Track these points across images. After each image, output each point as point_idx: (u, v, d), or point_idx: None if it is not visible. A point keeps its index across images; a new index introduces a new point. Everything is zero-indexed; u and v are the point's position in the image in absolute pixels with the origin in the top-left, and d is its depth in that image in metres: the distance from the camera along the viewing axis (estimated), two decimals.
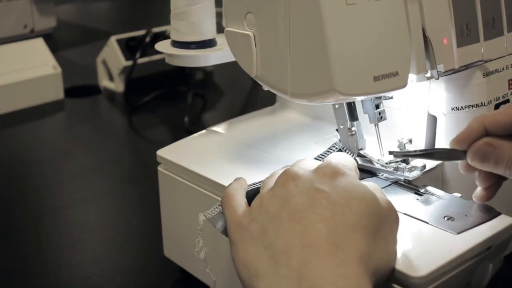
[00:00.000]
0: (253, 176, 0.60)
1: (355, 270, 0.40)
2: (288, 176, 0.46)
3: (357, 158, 0.59)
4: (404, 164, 0.56)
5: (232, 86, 1.38)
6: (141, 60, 1.26)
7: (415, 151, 0.54)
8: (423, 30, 0.52)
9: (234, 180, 0.53)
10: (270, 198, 0.45)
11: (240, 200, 0.49)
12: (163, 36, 1.26)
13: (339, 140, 0.60)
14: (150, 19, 1.83)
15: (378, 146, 0.58)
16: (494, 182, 0.51)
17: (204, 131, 0.72)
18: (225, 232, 0.49)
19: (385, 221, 0.44)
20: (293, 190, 0.45)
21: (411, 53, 0.51)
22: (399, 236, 0.46)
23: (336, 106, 0.59)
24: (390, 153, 0.55)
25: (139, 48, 1.26)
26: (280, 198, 0.45)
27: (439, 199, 0.53)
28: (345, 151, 0.59)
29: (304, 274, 0.40)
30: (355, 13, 0.48)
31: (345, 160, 0.48)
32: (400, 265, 0.44)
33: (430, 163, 0.57)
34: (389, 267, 0.44)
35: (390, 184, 0.56)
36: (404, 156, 0.55)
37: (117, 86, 1.30)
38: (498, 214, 0.50)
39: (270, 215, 0.44)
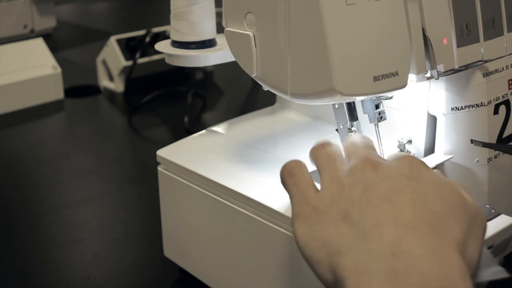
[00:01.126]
0: (253, 176, 0.60)
1: (455, 255, 0.38)
2: (367, 163, 0.45)
3: None
4: None
5: (232, 86, 1.38)
6: (141, 60, 1.26)
7: (501, 145, 0.53)
8: (423, 30, 0.52)
9: (293, 160, 0.50)
10: (351, 183, 0.44)
11: (309, 180, 0.47)
12: (163, 36, 1.26)
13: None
14: (150, 19, 1.83)
15: (378, 146, 0.58)
16: None
17: (204, 131, 0.72)
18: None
19: (474, 220, 0.42)
20: (378, 176, 0.43)
21: (411, 53, 0.51)
22: None
23: (336, 106, 0.59)
24: (473, 142, 0.54)
25: (139, 48, 1.26)
26: (364, 183, 0.43)
27: None
28: None
29: (398, 252, 0.38)
30: (355, 13, 0.48)
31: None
32: None
33: (430, 163, 0.57)
34: (472, 269, 0.41)
35: None
36: (488, 147, 0.54)
37: (117, 86, 1.30)
38: (498, 214, 0.50)
39: (353, 199, 0.43)
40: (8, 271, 0.72)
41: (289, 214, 0.54)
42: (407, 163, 0.44)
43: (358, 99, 0.56)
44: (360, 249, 0.40)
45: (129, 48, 1.28)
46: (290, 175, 0.48)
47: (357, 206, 0.42)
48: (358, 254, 0.40)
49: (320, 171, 0.47)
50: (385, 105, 0.57)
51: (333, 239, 0.41)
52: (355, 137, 0.49)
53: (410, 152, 0.58)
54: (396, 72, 0.49)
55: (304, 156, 0.64)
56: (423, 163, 0.45)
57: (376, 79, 0.49)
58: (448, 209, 0.41)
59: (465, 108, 0.57)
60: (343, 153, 0.48)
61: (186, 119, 1.12)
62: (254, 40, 0.54)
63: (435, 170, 0.46)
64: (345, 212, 0.42)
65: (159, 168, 0.67)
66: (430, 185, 0.43)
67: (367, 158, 0.45)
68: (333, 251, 0.41)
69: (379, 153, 0.58)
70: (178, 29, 0.65)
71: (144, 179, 0.93)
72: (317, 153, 0.48)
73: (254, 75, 0.55)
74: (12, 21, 1.64)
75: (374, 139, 0.58)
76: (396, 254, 0.38)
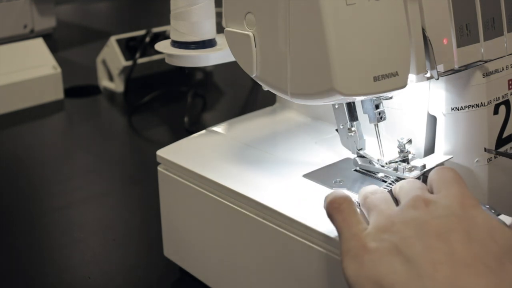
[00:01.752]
0: (253, 176, 0.60)
1: None
2: (419, 200, 0.45)
3: (357, 159, 0.59)
4: (404, 164, 0.56)
5: (232, 86, 1.38)
6: (141, 60, 1.27)
7: None
8: (423, 30, 0.52)
9: (337, 192, 0.50)
10: (403, 220, 0.44)
11: (359, 217, 0.47)
12: (163, 36, 1.26)
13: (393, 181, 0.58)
14: (150, 19, 1.83)
15: (378, 146, 0.58)
16: None
17: (204, 131, 0.72)
18: None
19: None
20: (430, 213, 0.43)
21: (411, 53, 0.51)
22: None
23: (336, 106, 0.59)
24: (487, 150, 0.53)
25: (139, 48, 1.26)
26: (415, 220, 0.43)
27: None
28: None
29: None
30: (355, 13, 0.48)
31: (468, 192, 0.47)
32: None
33: (430, 163, 0.57)
34: None
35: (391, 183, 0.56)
36: (502, 155, 0.54)
37: (117, 86, 1.30)
38: (498, 214, 0.50)
39: (405, 235, 0.43)
40: (8, 271, 0.72)
41: (288, 214, 0.54)
42: (458, 202, 0.45)
43: (358, 99, 0.56)
44: (416, 286, 0.40)
45: (129, 48, 1.28)
46: (338, 211, 0.47)
47: (409, 243, 0.42)
48: None
49: (369, 212, 0.47)
50: (385, 105, 0.57)
51: (386, 277, 0.41)
52: (404, 182, 0.50)
53: (410, 153, 0.58)
54: (396, 72, 0.49)
55: (304, 156, 0.64)
56: (475, 202, 0.45)
57: (376, 79, 0.49)
58: (502, 251, 0.41)
59: (465, 108, 0.57)
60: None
61: (186, 119, 1.12)
62: (254, 40, 0.54)
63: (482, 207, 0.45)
64: (397, 249, 0.42)
65: (159, 168, 0.67)
66: (483, 226, 0.43)
67: (418, 196, 0.45)
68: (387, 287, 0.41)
69: (379, 153, 0.58)
70: (178, 29, 0.65)
71: (144, 179, 0.93)
72: (369, 198, 0.48)
73: (254, 75, 0.55)
74: (12, 21, 1.64)
75: (374, 139, 0.58)
76: None
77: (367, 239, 0.44)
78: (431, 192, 0.48)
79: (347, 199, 0.48)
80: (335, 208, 0.47)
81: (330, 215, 0.48)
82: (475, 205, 0.45)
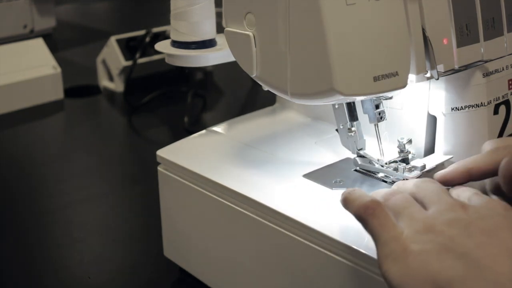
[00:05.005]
0: (253, 176, 0.60)
1: None
2: (456, 205, 0.45)
3: (357, 159, 0.59)
4: (404, 164, 0.56)
5: (232, 86, 1.38)
6: (141, 60, 1.26)
7: None
8: (423, 30, 0.52)
9: (364, 196, 0.49)
10: (445, 221, 0.43)
11: (394, 220, 0.46)
12: (163, 36, 1.26)
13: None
14: (150, 19, 1.83)
15: (378, 146, 0.58)
16: None
17: (204, 131, 0.72)
18: None
19: None
20: (472, 215, 0.43)
21: (411, 53, 0.51)
22: None
23: (336, 106, 0.59)
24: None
25: (139, 48, 1.26)
26: (460, 221, 0.43)
27: None
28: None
29: None
30: (355, 13, 0.48)
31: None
32: None
33: (430, 163, 0.57)
34: None
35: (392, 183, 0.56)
36: None
37: (117, 86, 1.30)
38: None
39: (452, 234, 0.42)
40: (8, 271, 0.72)
41: (288, 214, 0.54)
42: (498, 204, 0.44)
43: (358, 99, 0.56)
44: (477, 277, 0.39)
45: (129, 48, 1.28)
46: (374, 216, 0.46)
47: (459, 240, 0.41)
48: (475, 282, 0.39)
49: (397, 215, 0.46)
50: (385, 105, 0.57)
51: (441, 272, 0.40)
52: (422, 181, 0.49)
53: (410, 153, 0.58)
54: (396, 72, 0.49)
55: (304, 156, 0.64)
56: (507, 204, 0.44)
57: (376, 79, 0.49)
58: None
59: (465, 108, 0.57)
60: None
61: (186, 119, 1.12)
62: (254, 40, 0.54)
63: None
64: (446, 248, 0.42)
65: (159, 168, 0.67)
66: None
67: (455, 202, 0.45)
68: (443, 284, 0.40)
69: (379, 153, 0.58)
70: (178, 29, 0.65)
71: (144, 179, 0.93)
72: (391, 200, 0.48)
73: (254, 75, 0.55)
74: (12, 21, 1.64)
75: (374, 139, 0.58)
76: None
77: (407, 241, 0.43)
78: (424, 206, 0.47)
79: (380, 204, 0.47)
80: (370, 214, 0.46)
81: (364, 220, 0.47)
82: (509, 207, 0.44)
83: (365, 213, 0.47)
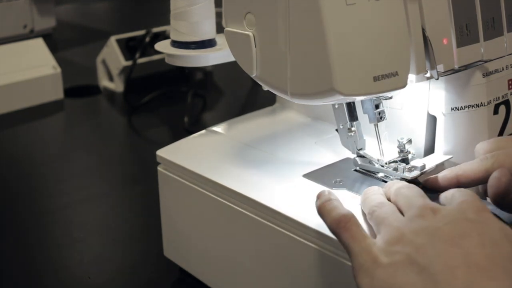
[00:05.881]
0: (253, 176, 0.60)
1: None
2: (426, 209, 0.45)
3: (357, 159, 0.59)
4: (404, 164, 0.56)
5: (232, 86, 1.38)
6: (141, 60, 1.26)
7: None
8: (423, 30, 0.52)
9: (338, 209, 0.49)
10: (413, 230, 0.44)
11: (365, 232, 0.47)
12: (163, 36, 1.26)
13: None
14: (150, 19, 1.83)
15: (378, 146, 0.58)
16: None
17: (204, 131, 0.72)
18: None
19: None
20: (440, 220, 0.43)
21: (411, 53, 0.51)
22: None
23: (336, 106, 0.59)
24: None
25: (139, 48, 1.26)
26: (426, 228, 0.43)
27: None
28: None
29: None
30: (355, 13, 0.48)
31: (477, 197, 0.47)
32: None
33: (430, 163, 0.57)
34: None
35: None
36: None
37: (117, 86, 1.30)
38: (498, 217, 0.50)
39: (417, 244, 0.42)
40: (8, 271, 0.72)
41: (288, 214, 0.54)
42: (470, 207, 0.44)
43: (358, 99, 0.56)
44: None
45: (129, 48, 1.28)
46: (345, 229, 0.47)
47: (422, 251, 0.42)
48: None
49: (378, 226, 0.47)
50: (385, 105, 0.57)
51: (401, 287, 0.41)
52: (401, 188, 0.50)
53: (410, 153, 0.58)
54: (396, 72, 0.49)
55: (304, 156, 0.64)
56: (485, 207, 0.45)
57: (376, 79, 0.49)
58: None
59: (465, 108, 0.57)
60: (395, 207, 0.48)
61: (186, 119, 1.12)
62: (254, 40, 0.54)
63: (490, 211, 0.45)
64: (410, 259, 0.42)
65: (159, 168, 0.67)
66: (496, 228, 0.42)
67: (425, 205, 0.45)
68: None
69: (379, 153, 0.58)
70: (178, 29, 0.65)
71: (144, 179, 0.93)
72: (376, 212, 0.48)
73: (254, 75, 0.55)
74: (12, 21, 1.64)
75: (373, 139, 0.58)
76: None
77: (378, 253, 0.44)
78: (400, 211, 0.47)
79: (352, 217, 0.48)
80: (342, 227, 0.47)
81: (337, 234, 0.47)
82: (484, 209, 0.44)
83: (337, 227, 0.47)
